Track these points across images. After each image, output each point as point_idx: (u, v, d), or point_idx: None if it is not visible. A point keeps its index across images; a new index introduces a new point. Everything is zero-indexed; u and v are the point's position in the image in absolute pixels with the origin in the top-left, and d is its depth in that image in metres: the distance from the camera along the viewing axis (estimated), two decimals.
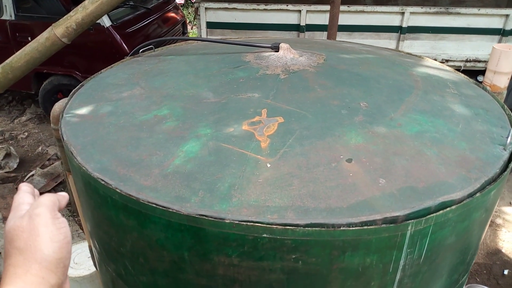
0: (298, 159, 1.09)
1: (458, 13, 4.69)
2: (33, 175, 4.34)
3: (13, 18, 5.00)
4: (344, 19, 4.52)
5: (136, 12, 5.42)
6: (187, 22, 8.09)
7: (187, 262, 1.03)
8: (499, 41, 4.79)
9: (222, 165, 1.08)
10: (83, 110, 1.43)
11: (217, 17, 5.02)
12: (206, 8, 4.97)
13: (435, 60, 2.33)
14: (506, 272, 3.27)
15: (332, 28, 3.71)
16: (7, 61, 2.91)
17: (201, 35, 5.09)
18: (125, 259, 1.18)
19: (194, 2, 5.45)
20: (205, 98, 1.40)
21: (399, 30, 4.82)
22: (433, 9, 4.70)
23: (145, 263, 1.12)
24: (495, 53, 2.37)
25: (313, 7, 4.82)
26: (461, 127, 1.30)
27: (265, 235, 0.92)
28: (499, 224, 3.77)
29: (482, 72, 4.82)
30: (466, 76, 1.78)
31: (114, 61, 2.04)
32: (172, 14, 6.34)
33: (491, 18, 4.72)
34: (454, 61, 4.91)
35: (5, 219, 3.55)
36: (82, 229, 3.46)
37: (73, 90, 1.59)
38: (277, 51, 1.66)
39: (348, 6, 4.69)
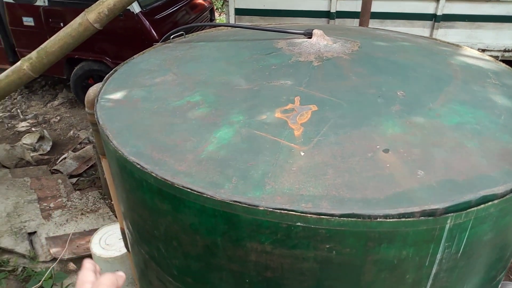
0: (333, 148, 1.07)
1: (498, 0, 4.47)
2: (65, 158, 4.48)
3: (46, 4, 5.12)
4: (376, 6, 4.39)
5: None
6: (215, 8, 8.07)
7: (220, 248, 1.04)
8: None
9: (255, 153, 1.07)
10: (117, 95, 1.45)
11: (246, 3, 4.98)
12: None
13: None
14: None
15: (364, 15, 3.61)
16: (42, 46, 2.99)
17: (229, 22, 5.07)
18: (159, 242, 1.20)
19: None
20: (237, 85, 1.39)
21: (433, 18, 4.65)
22: None
23: (178, 246, 1.14)
24: None
25: None
26: (503, 119, 1.24)
27: (299, 224, 0.92)
28: None
29: None
30: (508, 66, 1.70)
31: (143, 47, 2.06)
32: (200, 1, 6.34)
33: None
34: (491, 50, 4.71)
35: (40, 199, 3.69)
36: (113, 212, 3.56)
37: (107, 75, 1.62)
38: (310, 38, 1.62)
39: None
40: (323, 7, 4.83)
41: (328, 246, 0.94)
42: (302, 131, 1.14)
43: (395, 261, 0.96)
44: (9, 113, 5.62)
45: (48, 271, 2.88)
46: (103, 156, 1.66)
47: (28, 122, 5.39)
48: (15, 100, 6.01)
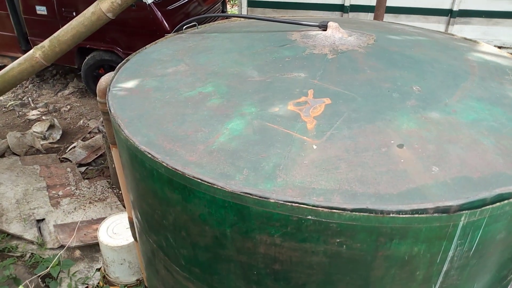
0: (346, 142, 1.06)
1: None
2: (74, 147, 4.51)
3: None
4: (391, 0, 4.33)
5: None
6: (227, 0, 8.03)
7: (229, 239, 1.04)
8: None
9: (267, 145, 1.06)
10: (129, 84, 1.44)
11: None
12: None
13: None
14: None
15: (379, 9, 3.56)
16: (55, 34, 3.00)
17: (241, 14, 5.03)
18: (167, 232, 1.20)
19: None
20: (250, 76, 1.38)
21: (449, 13, 4.57)
22: None
23: (186, 236, 1.14)
24: None
25: None
26: None
27: (309, 217, 0.91)
28: None
29: None
30: None
31: (154, 38, 2.05)
32: None
33: None
34: (508, 48, 4.63)
35: (49, 187, 3.73)
36: (121, 202, 3.59)
37: (119, 64, 1.61)
38: (325, 30, 1.60)
39: None
40: (337, 0, 4.78)
41: (338, 240, 0.93)
42: (315, 124, 1.12)
43: (406, 257, 0.95)
44: (20, 101, 5.68)
45: (56, 258, 2.91)
46: (113, 145, 1.67)
47: (38, 111, 5.44)
48: (26, 89, 6.06)
